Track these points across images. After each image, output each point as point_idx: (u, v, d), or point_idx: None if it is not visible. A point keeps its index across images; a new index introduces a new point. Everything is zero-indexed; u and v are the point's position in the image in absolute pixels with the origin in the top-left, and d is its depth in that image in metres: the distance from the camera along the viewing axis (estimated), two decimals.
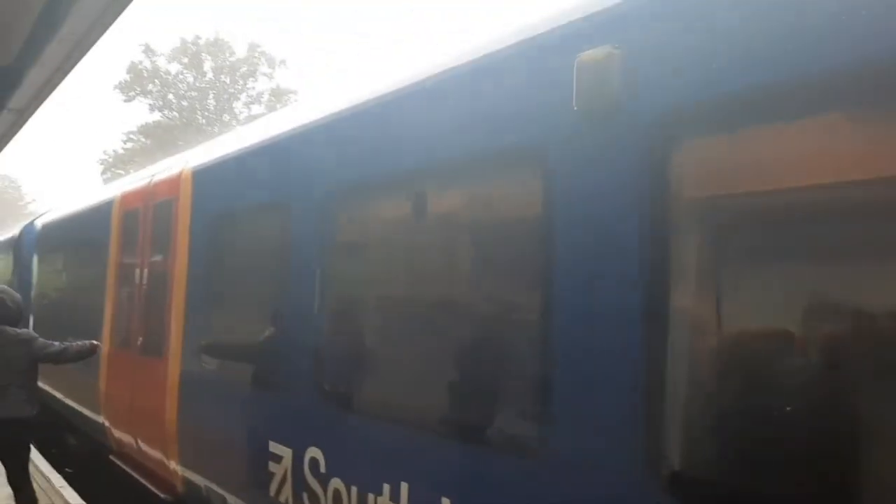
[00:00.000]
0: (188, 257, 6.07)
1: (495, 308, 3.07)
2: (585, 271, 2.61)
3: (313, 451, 4.14)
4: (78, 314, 9.40)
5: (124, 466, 7.68)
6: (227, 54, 48.35)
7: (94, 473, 8.67)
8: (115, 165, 49.55)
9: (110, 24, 6.55)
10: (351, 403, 3.97)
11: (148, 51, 47.18)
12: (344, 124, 3.95)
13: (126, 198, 7.84)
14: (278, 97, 47.50)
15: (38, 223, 11.85)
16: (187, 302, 6.02)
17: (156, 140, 47.33)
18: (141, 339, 6.89)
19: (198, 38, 47.85)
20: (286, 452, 4.40)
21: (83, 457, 9.17)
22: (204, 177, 5.96)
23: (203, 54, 47.94)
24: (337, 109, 3.99)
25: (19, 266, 12.81)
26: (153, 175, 7.28)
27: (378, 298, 3.84)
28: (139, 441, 7.00)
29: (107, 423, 7.89)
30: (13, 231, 14.22)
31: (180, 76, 48.22)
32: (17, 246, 13.17)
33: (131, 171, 46.28)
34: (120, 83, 47.26)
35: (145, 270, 7.04)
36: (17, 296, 6.49)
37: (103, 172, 49.90)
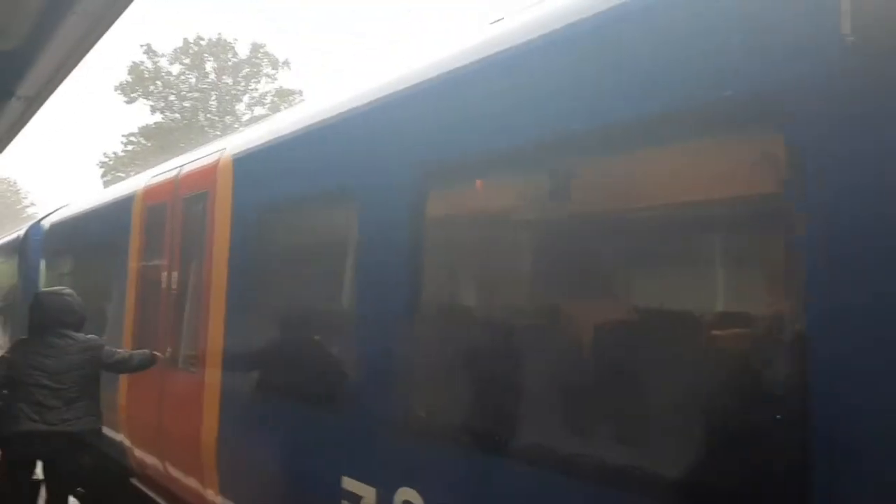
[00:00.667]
0: (228, 256, 5.29)
1: (695, 318, 2.29)
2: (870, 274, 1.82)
3: (407, 493, 3.35)
4: (93, 322, 8.61)
5: (148, 491, 6.90)
6: (230, 55, 47.58)
7: (111, 497, 7.86)
8: (116, 168, 48.72)
9: None
10: (464, 435, 3.17)
11: (150, 51, 46.36)
12: (463, 85, 3.14)
13: (149, 192, 7.06)
14: (282, 97, 46.71)
15: (46, 223, 11.04)
16: (228, 307, 5.24)
17: (157, 142, 46.51)
18: (170, 349, 6.10)
19: (200, 38, 47.11)
20: (368, 492, 3.62)
21: (98, 478, 8.36)
22: (248, 164, 5.18)
23: (205, 55, 47.16)
24: (460, 64, 3.18)
25: (25, 269, 11.99)
26: (181, 166, 6.51)
27: (508, 303, 3.04)
28: (167, 464, 6.20)
29: (127, 443, 7.10)
30: (18, 232, 13.41)
31: (182, 77, 47.41)
32: (22, 248, 12.35)
33: (132, 173, 45.59)
34: (121, 84, 46.44)
35: (174, 272, 6.25)
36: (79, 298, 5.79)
37: (104, 175, 49.05)
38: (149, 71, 46.49)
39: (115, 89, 46.55)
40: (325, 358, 4.23)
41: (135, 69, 46.23)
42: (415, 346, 3.40)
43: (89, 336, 5.63)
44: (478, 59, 3.08)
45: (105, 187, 43.12)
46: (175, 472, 6.04)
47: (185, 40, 47.04)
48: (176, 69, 47.32)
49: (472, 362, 3.25)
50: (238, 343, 5.11)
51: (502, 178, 3.05)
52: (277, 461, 4.58)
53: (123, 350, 5.84)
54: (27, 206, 71.03)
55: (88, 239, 8.89)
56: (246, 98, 48.89)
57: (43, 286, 10.68)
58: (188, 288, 6.04)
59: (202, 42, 47.11)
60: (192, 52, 47.02)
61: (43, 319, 5.42)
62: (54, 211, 11.54)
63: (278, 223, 4.79)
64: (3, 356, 5.38)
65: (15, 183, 71.90)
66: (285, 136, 4.73)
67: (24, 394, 5.17)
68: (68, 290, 5.68)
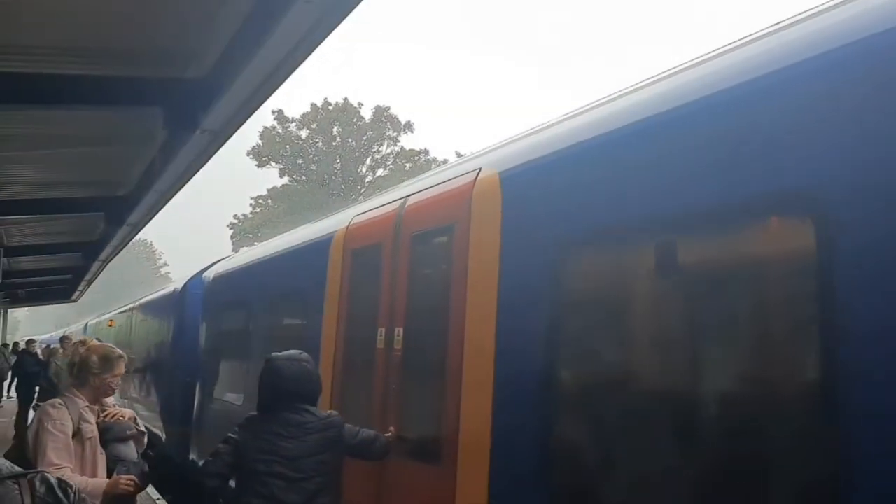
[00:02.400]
0: (497, 306, 3.85)
1: None
2: None
3: None
4: None
5: None
6: (355, 119, 48.41)
7: None
8: (245, 230, 50.01)
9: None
10: None
11: (280, 117, 47.81)
12: None
13: (355, 233, 5.82)
14: (407, 157, 46.85)
15: (210, 275, 10.15)
16: (500, 376, 3.77)
17: (285, 204, 47.45)
18: (393, 429, 4.70)
19: (328, 103, 48.20)
20: None
21: None
22: (536, 180, 3.77)
23: (332, 119, 48.16)
24: None
25: (182, 329, 11.15)
26: (405, 198, 5.22)
27: None
28: None
29: None
30: (174, 286, 12.74)
31: (310, 141, 48.52)
32: (179, 304, 11.59)
33: (260, 234, 46.41)
34: (253, 149, 47.96)
35: (397, 329, 4.89)
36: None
37: (233, 236, 50.42)
38: (279, 136, 47.89)
39: (248, 154, 48.13)
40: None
41: (266, 134, 47.74)
42: None
43: (329, 411, 4.29)
44: None
45: (234, 248, 43.91)
46: None
47: (314, 105, 48.31)
48: (304, 133, 48.57)
49: None
50: (520, 429, 3.60)
51: None
52: None
53: (366, 429, 4.46)
54: (161, 267, 74.41)
55: (265, 292, 7.77)
56: (368, 160, 49.45)
57: (207, 348, 9.72)
58: (422, 349, 4.67)
59: (329, 107, 48.21)
60: (320, 117, 48.17)
61: (279, 391, 4.15)
62: (216, 262, 10.71)
63: (621, 253, 3.28)
64: (229, 437, 4.11)
65: (151, 244, 75.60)
66: (627, 125, 3.25)
67: (255, 485, 3.85)
68: (305, 355, 4.37)
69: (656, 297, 3.10)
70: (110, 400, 4.72)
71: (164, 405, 11.91)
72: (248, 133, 50.77)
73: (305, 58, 5.39)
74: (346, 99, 48.59)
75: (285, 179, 49.41)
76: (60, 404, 4.15)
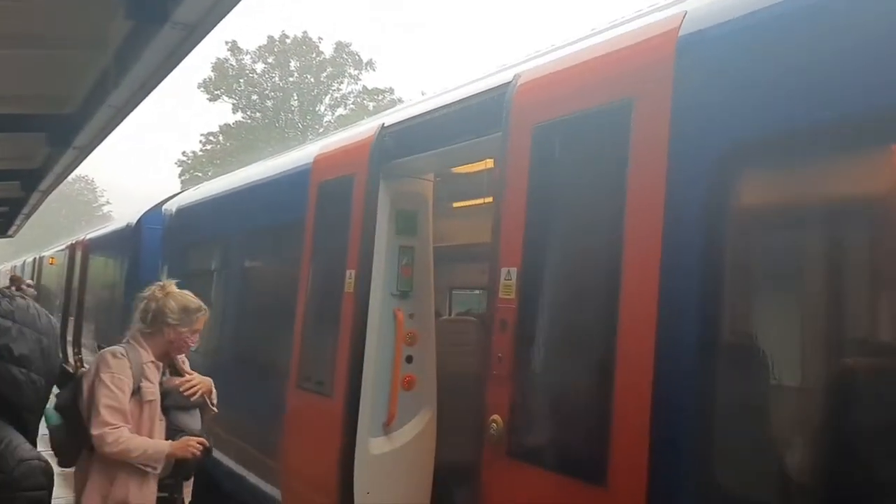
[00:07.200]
0: (663, 222, 2.75)
1: None
2: None
3: None
4: (243, 344, 6.33)
5: None
6: (314, 54, 46.08)
7: None
8: (194, 167, 47.74)
9: None
10: None
11: (234, 48, 45.15)
12: None
13: (328, 160, 4.65)
14: (371, 96, 44.92)
15: (171, 208, 8.82)
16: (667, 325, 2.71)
17: (237, 141, 45.20)
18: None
19: (285, 36, 45.69)
20: None
21: None
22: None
23: (290, 54, 45.77)
24: None
25: (137, 269, 9.86)
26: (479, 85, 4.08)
27: None
28: None
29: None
30: (126, 221, 11.33)
31: (266, 76, 46.09)
32: (133, 241, 10.26)
33: (210, 173, 44.02)
34: (204, 81, 45.36)
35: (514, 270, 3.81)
36: None
37: (181, 174, 48.08)
38: (233, 68, 45.31)
39: (199, 87, 45.55)
40: None
41: (219, 66, 45.09)
42: None
43: None
44: None
45: (183, 186, 41.97)
46: None
47: (270, 38, 45.76)
48: (260, 67, 46.08)
49: None
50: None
51: None
52: None
53: None
54: (103, 205, 70.99)
55: (248, 226, 6.55)
56: (327, 99, 47.36)
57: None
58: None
59: (287, 40, 45.73)
60: (277, 51, 45.73)
61: None
62: (178, 194, 9.39)
63: None
64: None
65: (92, 181, 72.00)
66: None
67: None
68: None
69: None
70: (180, 358, 3.99)
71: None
72: (199, 65, 48.07)
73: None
74: (305, 32, 46.15)
75: (238, 116, 47.09)
76: (122, 354, 3.63)
